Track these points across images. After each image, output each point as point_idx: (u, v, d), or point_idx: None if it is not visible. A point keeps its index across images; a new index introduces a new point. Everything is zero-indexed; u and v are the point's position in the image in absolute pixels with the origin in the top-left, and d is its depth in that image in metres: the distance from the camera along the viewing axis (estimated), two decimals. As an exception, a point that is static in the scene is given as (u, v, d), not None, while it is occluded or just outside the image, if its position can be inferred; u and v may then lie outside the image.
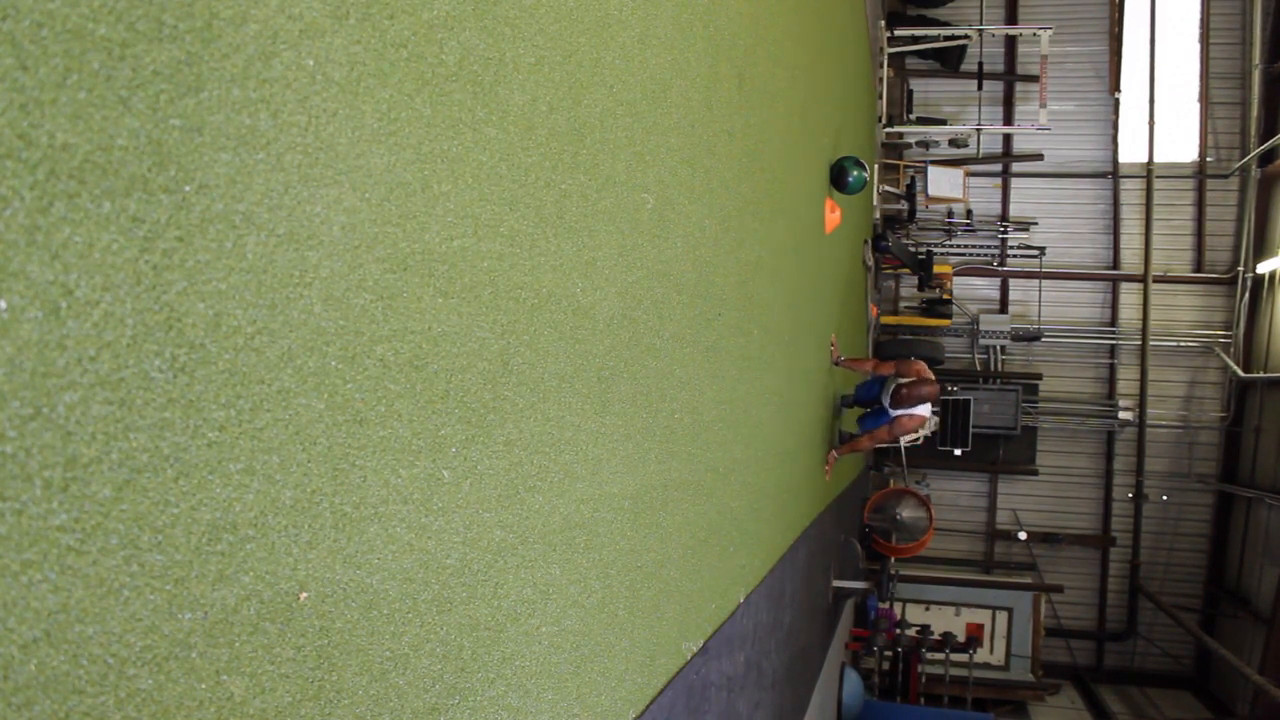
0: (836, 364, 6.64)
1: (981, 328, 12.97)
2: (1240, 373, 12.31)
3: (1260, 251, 12.34)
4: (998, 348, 13.27)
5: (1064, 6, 13.39)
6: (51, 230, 0.76)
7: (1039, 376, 13.19)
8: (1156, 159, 12.83)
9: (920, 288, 12.59)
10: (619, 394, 2.09)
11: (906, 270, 12.45)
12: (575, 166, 1.78)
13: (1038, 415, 13.11)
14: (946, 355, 12.98)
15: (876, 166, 10.72)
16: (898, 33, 11.56)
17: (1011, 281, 13.51)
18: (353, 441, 1.16)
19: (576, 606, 1.90)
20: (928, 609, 11.77)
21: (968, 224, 13.11)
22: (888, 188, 11.62)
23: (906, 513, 9.38)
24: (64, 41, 0.76)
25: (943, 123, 12.95)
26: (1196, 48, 13.03)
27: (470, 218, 1.41)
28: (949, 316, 12.93)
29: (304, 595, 1.08)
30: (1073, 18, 13.33)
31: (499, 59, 1.47)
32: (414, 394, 1.29)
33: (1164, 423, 13.00)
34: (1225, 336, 12.74)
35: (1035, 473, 13.19)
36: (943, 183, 11.59)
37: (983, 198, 13.44)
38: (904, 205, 11.56)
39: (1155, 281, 12.77)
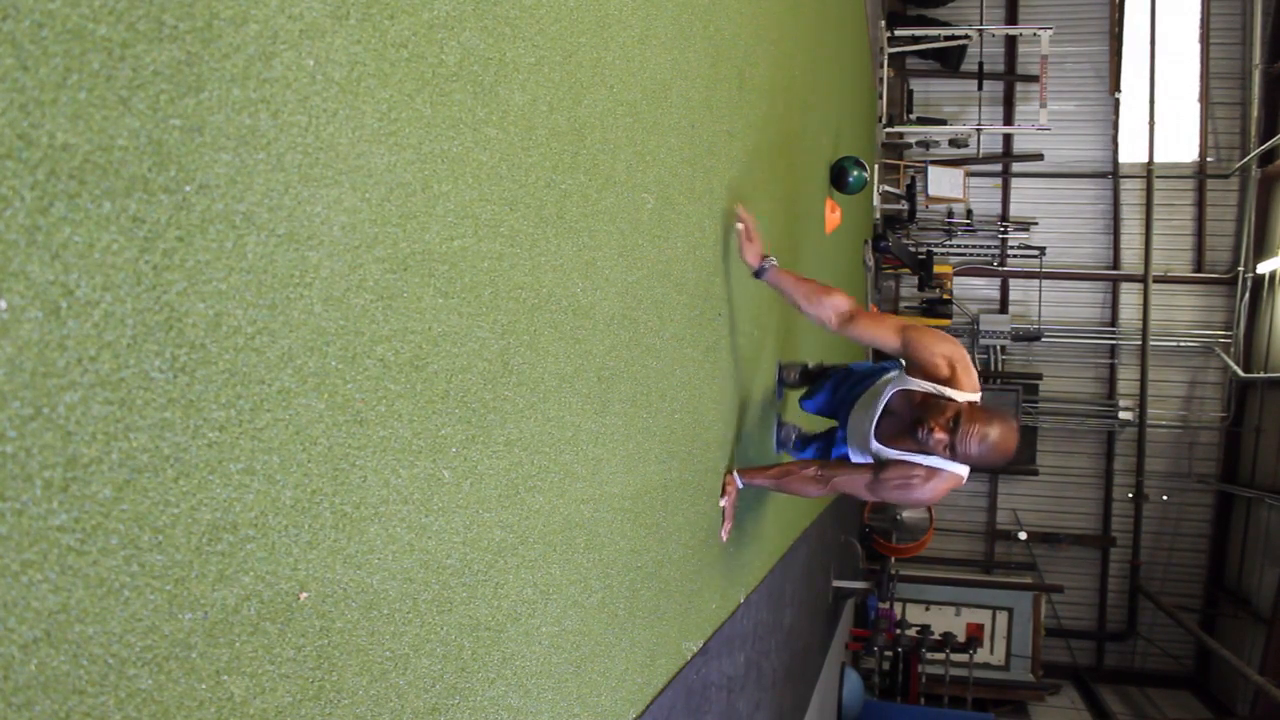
0: (757, 273, 2.89)
1: (981, 328, 12.96)
2: (1240, 373, 12.29)
3: (1260, 251, 12.32)
4: (998, 348, 13.26)
5: (1064, 6, 13.38)
6: (51, 230, 0.76)
7: (1039, 376, 13.18)
8: (1157, 159, 12.81)
9: (920, 288, 12.58)
10: (619, 394, 2.09)
11: (906, 270, 12.44)
12: (575, 166, 1.78)
13: (1038, 415, 13.11)
14: (946, 355, 12.94)
15: (876, 166, 10.71)
16: (898, 33, 11.54)
17: (1011, 281, 13.50)
18: (353, 441, 1.16)
19: (576, 606, 1.90)
20: (928, 609, 11.76)
21: (968, 224, 13.10)
22: (888, 188, 11.60)
23: (906, 513, 9.38)
24: (64, 41, 0.76)
25: (943, 123, 12.94)
26: (1196, 48, 13.01)
27: (470, 218, 1.41)
28: (949, 316, 12.91)
29: (304, 595, 1.08)
30: (1073, 18, 13.32)
31: (499, 59, 1.47)
32: (414, 394, 1.29)
33: (1164, 423, 12.99)
34: (1225, 336, 12.73)
35: (1035, 473, 13.17)
36: (943, 183, 11.57)
37: (983, 198, 13.42)
38: (904, 205, 11.55)
39: (1155, 281, 12.76)
